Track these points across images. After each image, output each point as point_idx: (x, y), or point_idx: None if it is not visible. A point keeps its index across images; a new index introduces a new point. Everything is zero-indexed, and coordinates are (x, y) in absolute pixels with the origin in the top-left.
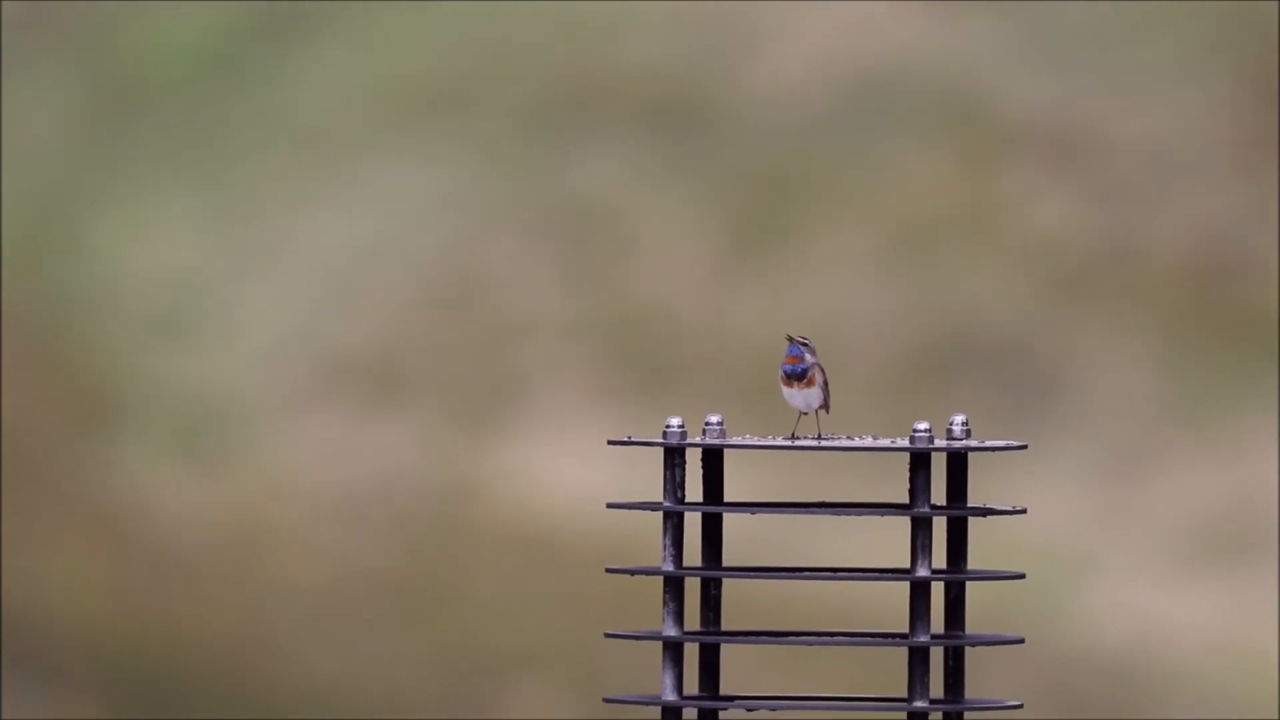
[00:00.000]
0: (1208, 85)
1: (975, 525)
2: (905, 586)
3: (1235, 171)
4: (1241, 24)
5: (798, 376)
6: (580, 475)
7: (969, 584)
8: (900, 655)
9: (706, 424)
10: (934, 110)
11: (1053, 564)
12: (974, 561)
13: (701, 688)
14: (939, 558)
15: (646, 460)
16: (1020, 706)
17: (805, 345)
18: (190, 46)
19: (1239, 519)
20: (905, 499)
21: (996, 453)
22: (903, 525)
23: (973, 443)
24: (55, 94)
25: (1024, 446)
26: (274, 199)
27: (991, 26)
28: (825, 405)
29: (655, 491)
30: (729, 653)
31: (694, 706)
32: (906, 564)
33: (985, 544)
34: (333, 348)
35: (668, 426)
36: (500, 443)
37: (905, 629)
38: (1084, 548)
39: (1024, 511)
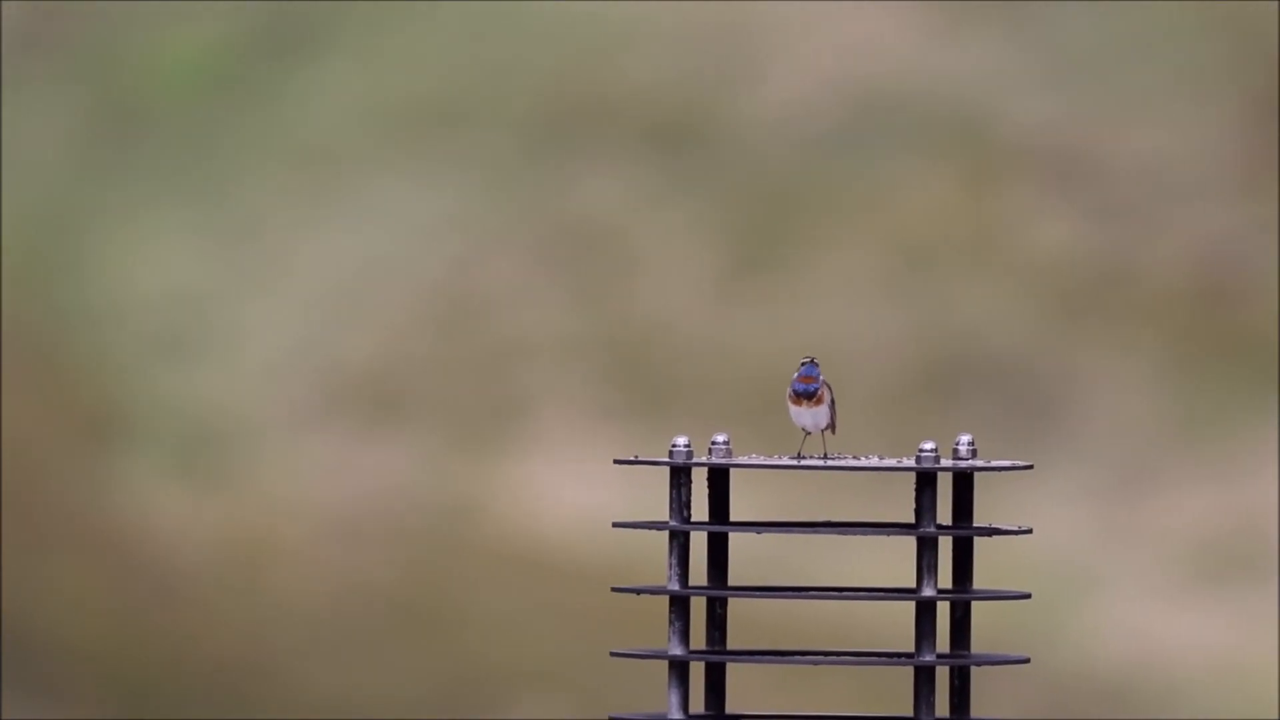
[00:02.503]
0: (1209, 106)
1: (980, 545)
2: (911, 606)
3: (1237, 192)
4: (1243, 45)
5: (808, 395)
6: (583, 494)
7: (974, 603)
8: (906, 674)
9: (713, 443)
10: (937, 130)
11: (1057, 583)
12: (979, 581)
13: (707, 706)
14: (944, 577)
15: (650, 479)
16: None
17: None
18: (193, 65)
19: (1241, 539)
20: (911, 518)
21: (1001, 472)
22: (908, 545)
23: (978, 463)
24: (58, 112)
25: (1029, 466)
26: (276, 217)
27: (994, 47)
28: (832, 425)
29: (658, 511)
30: (735, 672)
31: None
32: (912, 583)
33: (990, 563)
34: (334, 366)
35: (674, 446)
36: (502, 461)
37: (911, 648)
38: (1088, 567)
39: (1029, 531)
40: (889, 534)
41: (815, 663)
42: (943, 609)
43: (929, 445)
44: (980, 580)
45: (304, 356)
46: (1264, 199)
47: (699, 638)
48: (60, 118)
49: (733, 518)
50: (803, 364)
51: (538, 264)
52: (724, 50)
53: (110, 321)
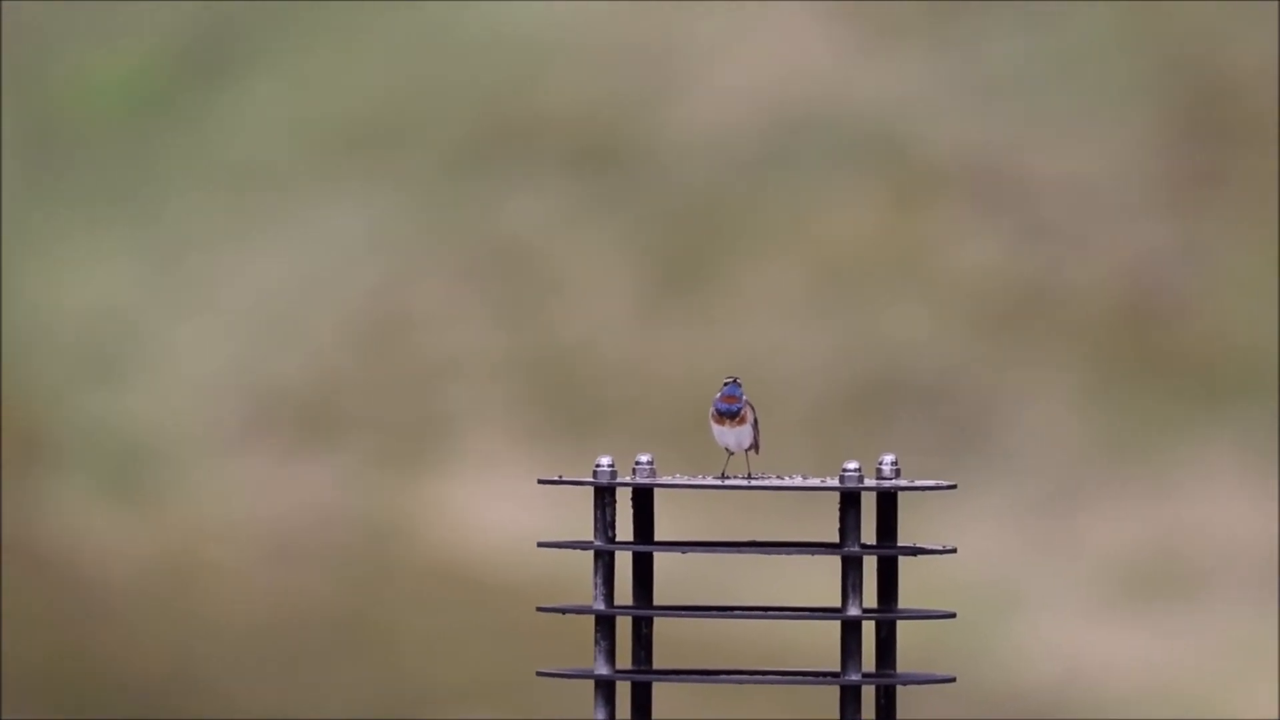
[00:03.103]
0: (1134, 125)
1: (906, 564)
2: (836, 625)
3: (1162, 211)
4: (1167, 64)
5: (731, 415)
6: (509, 513)
7: (899, 623)
8: (832, 694)
9: (637, 463)
10: (862, 150)
11: (983, 602)
12: (904, 600)
13: None
14: (870, 596)
15: (575, 499)
16: None
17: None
18: (120, 85)
19: (1167, 557)
20: (836, 538)
21: (927, 492)
22: (834, 564)
23: (902, 482)
24: None
25: (953, 486)
26: (203, 238)
27: (920, 66)
28: (755, 445)
29: (583, 530)
30: (661, 691)
31: None
32: (838, 603)
33: (916, 583)
34: (263, 386)
35: (598, 466)
36: (429, 481)
37: (837, 667)
38: (1013, 586)
39: (954, 551)
40: (814, 553)
41: (741, 682)
42: (868, 628)
43: (853, 465)
44: (906, 600)
45: (233, 376)
46: (1189, 217)
47: (625, 657)
48: None
49: (658, 537)
50: (725, 384)
51: (464, 284)
52: (648, 71)
53: (38, 343)
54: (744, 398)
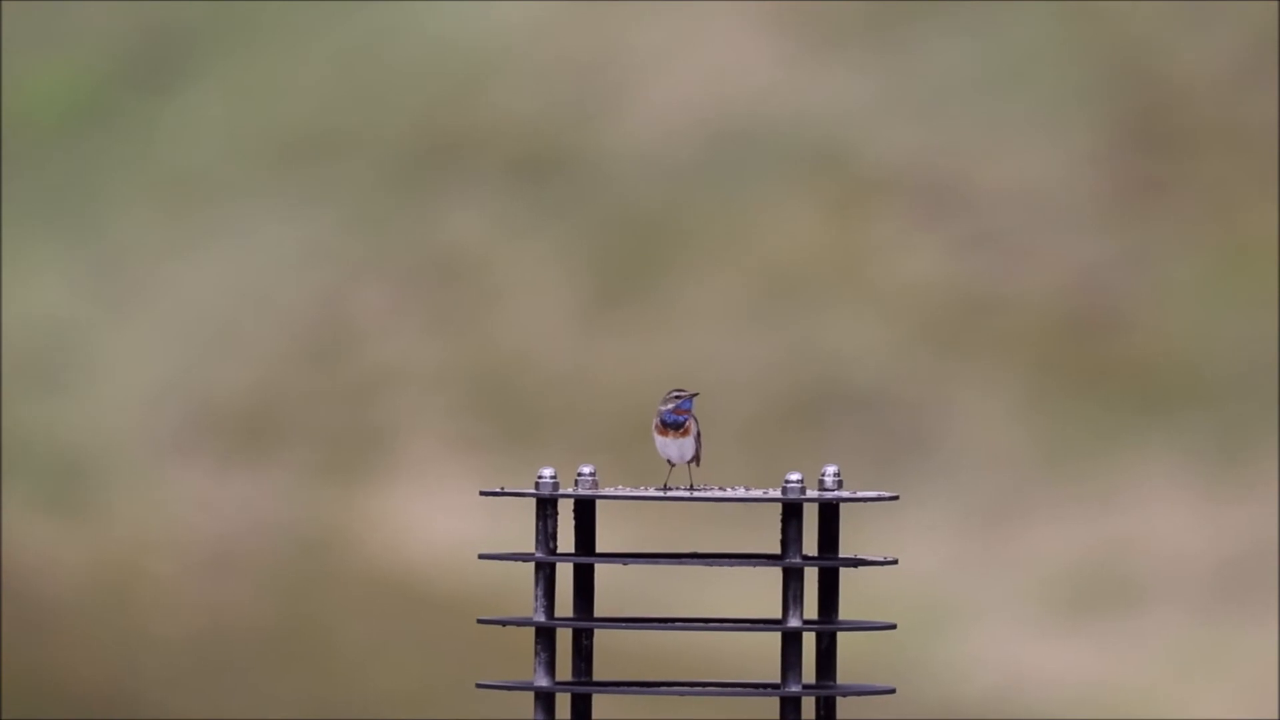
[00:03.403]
0: (1075, 135)
1: (846, 575)
2: (777, 636)
3: (1104, 222)
4: (1109, 73)
5: (675, 426)
6: (449, 525)
7: (840, 634)
8: (772, 705)
9: (579, 475)
10: (802, 159)
11: (923, 614)
12: (845, 611)
13: None
14: (810, 608)
15: (516, 510)
16: None
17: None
18: (59, 95)
19: (1108, 569)
20: (777, 549)
21: (868, 503)
22: (774, 575)
23: (844, 494)
24: None
25: (895, 497)
26: (143, 248)
27: (859, 76)
28: (697, 457)
29: (524, 541)
30: (601, 703)
31: None
32: (778, 614)
33: (856, 594)
34: (202, 397)
35: (540, 477)
36: (369, 492)
37: (777, 679)
38: (954, 597)
39: (895, 562)
40: (755, 565)
41: (681, 694)
42: (809, 640)
43: (795, 476)
44: (846, 611)
45: (171, 387)
46: (1131, 228)
47: (565, 668)
48: None
49: (599, 549)
50: (678, 397)
51: (404, 294)
52: (589, 82)
53: None
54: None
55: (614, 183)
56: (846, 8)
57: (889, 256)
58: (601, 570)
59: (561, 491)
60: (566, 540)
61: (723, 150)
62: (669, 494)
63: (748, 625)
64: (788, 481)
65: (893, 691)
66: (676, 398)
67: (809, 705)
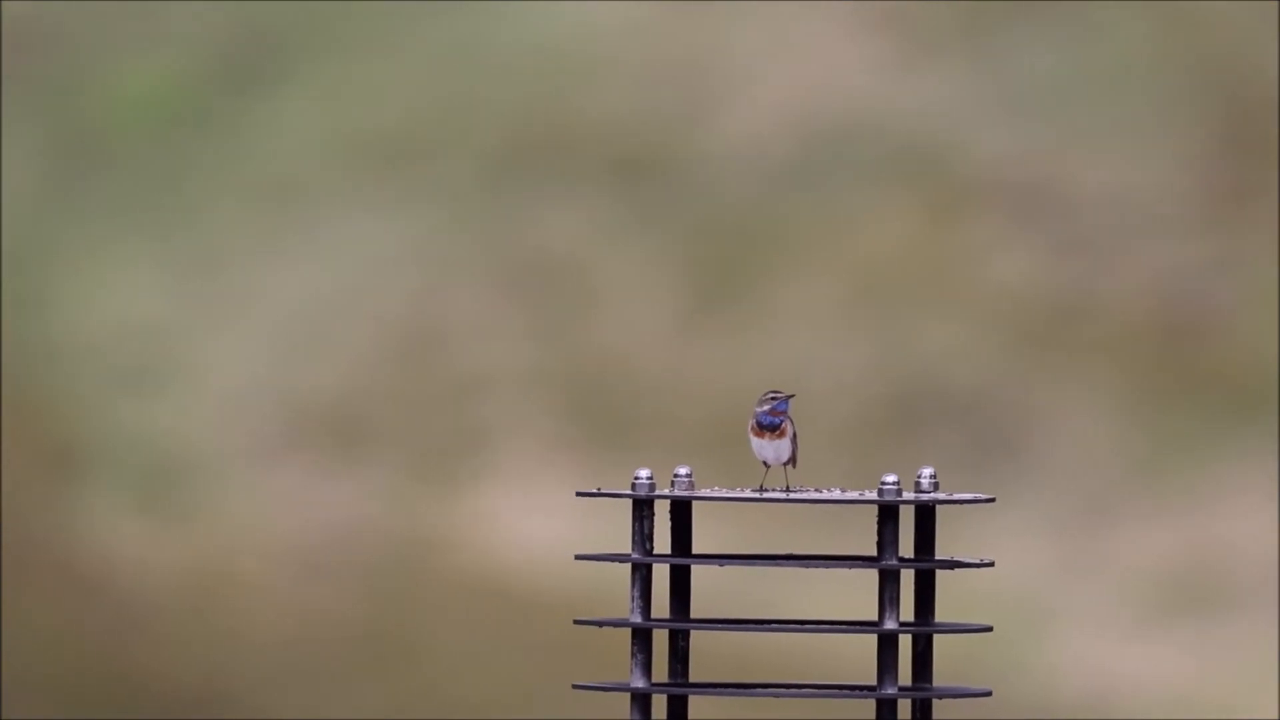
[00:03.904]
0: (1171, 139)
1: (942, 577)
2: (873, 639)
3: (1200, 225)
4: (1204, 78)
5: (771, 428)
6: (545, 526)
7: (936, 636)
8: (868, 707)
9: (675, 476)
10: (898, 163)
11: (1019, 616)
12: (941, 614)
13: None
14: (906, 610)
15: (611, 511)
16: None
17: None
18: (154, 98)
19: (1201, 573)
20: (873, 551)
21: (963, 505)
22: (870, 577)
23: (940, 495)
24: (19, 146)
25: (992, 500)
26: (237, 250)
27: (955, 79)
28: (793, 459)
29: (619, 542)
30: (697, 704)
31: None
32: (874, 616)
33: (952, 596)
34: (297, 399)
35: (636, 478)
36: (464, 494)
37: (873, 681)
38: (1049, 600)
39: (991, 564)
40: (851, 567)
41: (777, 695)
42: (905, 642)
43: (891, 478)
44: (942, 613)
45: (266, 389)
46: (1226, 232)
47: (661, 670)
48: (22, 152)
49: (695, 550)
50: (773, 398)
51: (499, 297)
52: (685, 84)
53: (72, 355)
54: (787, 412)
55: (710, 185)
56: (942, 11)
57: (983, 260)
58: (698, 571)
59: (658, 493)
60: (663, 541)
61: (819, 153)
62: (765, 495)
63: (844, 627)
64: (884, 483)
65: (989, 694)
66: (772, 399)
67: (905, 707)
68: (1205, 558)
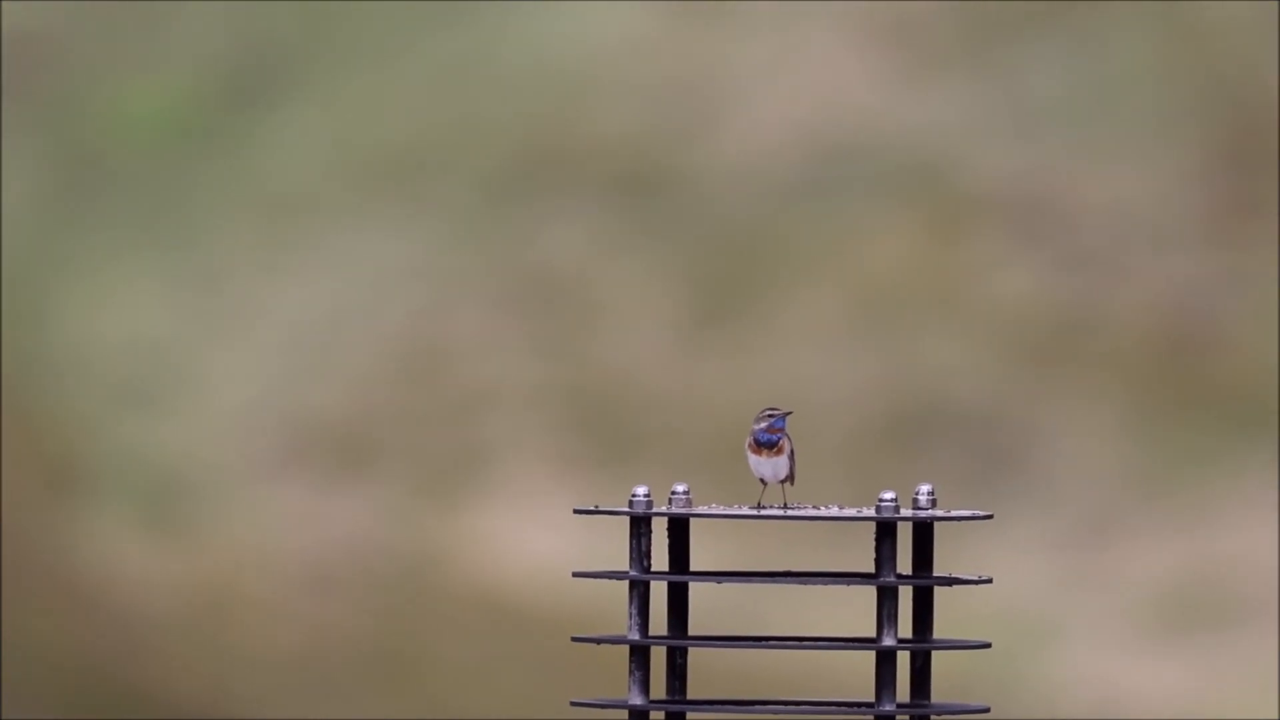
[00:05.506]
0: (1174, 154)
1: (941, 594)
2: (871, 655)
3: (1203, 241)
4: (1210, 94)
5: (769, 445)
6: (545, 543)
7: (934, 653)
8: None
9: (673, 493)
10: (901, 178)
11: (1018, 633)
12: (939, 630)
13: None
14: (905, 626)
15: (612, 528)
16: None
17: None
18: (157, 114)
19: (1202, 589)
20: (871, 568)
21: (962, 522)
22: (869, 594)
23: (938, 512)
24: (22, 162)
25: (989, 516)
26: (240, 267)
27: (958, 94)
28: (790, 476)
29: (620, 560)
30: None
31: None
32: (872, 633)
33: (951, 612)
34: (300, 415)
35: (634, 495)
36: (465, 511)
37: (871, 698)
38: (1049, 616)
39: (990, 581)
40: (849, 583)
41: (775, 712)
42: (903, 658)
43: (889, 495)
44: (940, 629)
45: (269, 405)
46: (1229, 247)
47: (659, 687)
48: (24, 167)
49: (693, 567)
50: (771, 416)
51: (501, 313)
52: (688, 100)
53: (74, 371)
54: (784, 429)
55: (713, 201)
56: (946, 27)
57: (987, 275)
58: (696, 589)
59: (655, 510)
60: (661, 559)
61: (822, 169)
62: (763, 512)
63: (842, 644)
64: (881, 500)
65: (987, 710)
66: (770, 416)
67: None
68: (1208, 573)
